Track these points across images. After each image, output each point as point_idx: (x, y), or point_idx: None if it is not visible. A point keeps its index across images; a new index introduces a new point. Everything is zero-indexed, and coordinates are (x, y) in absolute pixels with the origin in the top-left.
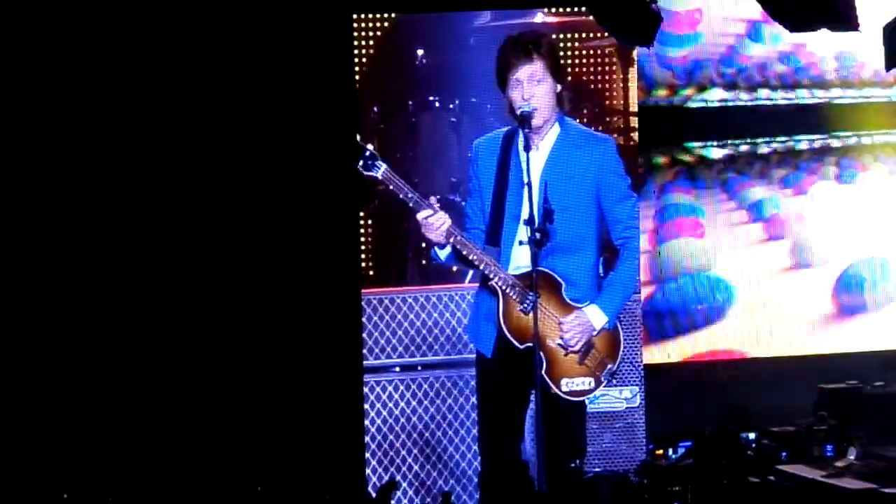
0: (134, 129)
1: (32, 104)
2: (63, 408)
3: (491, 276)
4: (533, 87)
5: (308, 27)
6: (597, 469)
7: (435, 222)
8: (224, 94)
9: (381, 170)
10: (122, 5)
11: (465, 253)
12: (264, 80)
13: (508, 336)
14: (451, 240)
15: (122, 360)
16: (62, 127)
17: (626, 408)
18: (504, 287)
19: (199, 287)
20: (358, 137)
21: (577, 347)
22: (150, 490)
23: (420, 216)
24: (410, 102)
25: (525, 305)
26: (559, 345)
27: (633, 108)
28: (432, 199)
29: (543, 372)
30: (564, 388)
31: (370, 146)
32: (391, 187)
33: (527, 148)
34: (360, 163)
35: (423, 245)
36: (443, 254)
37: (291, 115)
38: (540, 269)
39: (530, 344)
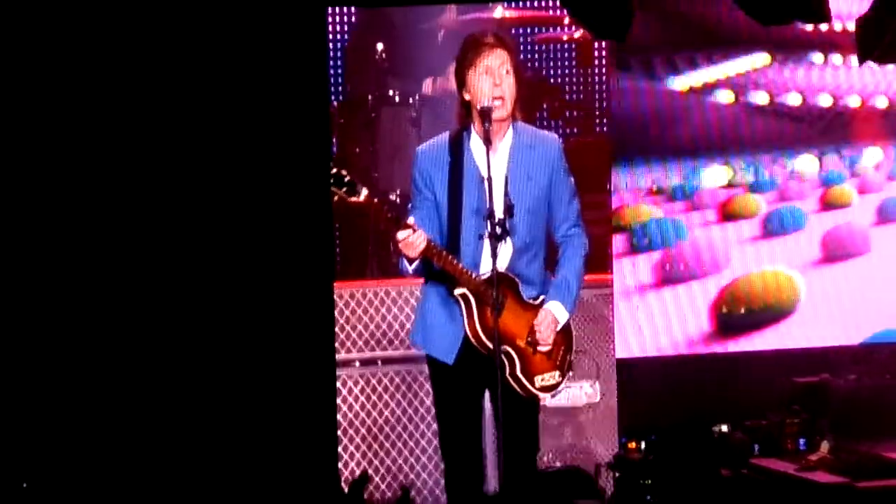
0: (102, 121)
1: (11, 105)
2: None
3: (464, 283)
4: (503, 75)
5: (281, 19)
6: (557, 464)
7: (415, 241)
8: (193, 86)
9: (363, 194)
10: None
11: (441, 265)
12: (236, 75)
13: (485, 340)
14: (430, 254)
15: (90, 354)
16: (40, 127)
17: (587, 403)
18: (476, 293)
19: (168, 279)
20: (333, 167)
21: (550, 344)
22: (118, 484)
23: (399, 236)
24: (370, 97)
25: (497, 309)
26: (529, 343)
27: (596, 102)
28: (410, 219)
29: (518, 372)
30: (538, 385)
31: (344, 171)
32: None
33: (487, 142)
34: (344, 189)
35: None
36: (412, 267)
37: (263, 109)
38: (500, 271)
39: (505, 347)
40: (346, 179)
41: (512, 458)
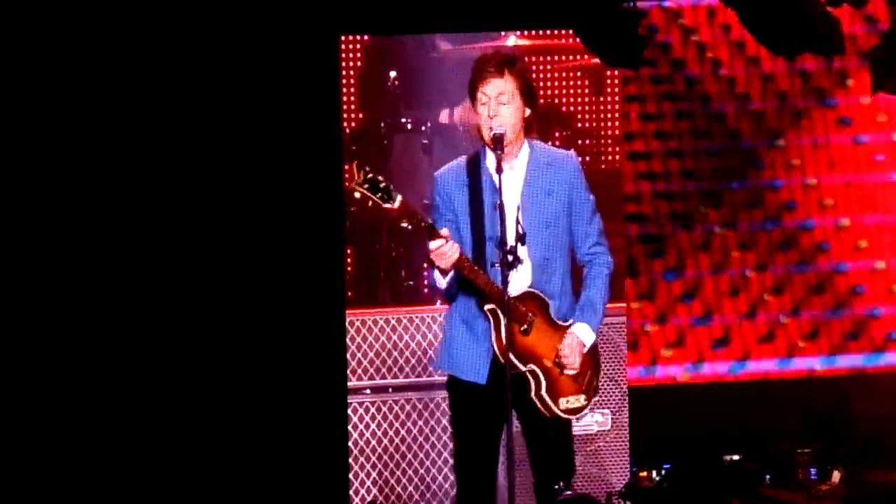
0: (115, 145)
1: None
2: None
3: (494, 298)
4: (499, 105)
5: (294, 47)
6: (569, 492)
7: (447, 251)
8: (206, 114)
9: (398, 200)
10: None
11: (472, 278)
12: (249, 102)
13: (512, 358)
14: (461, 266)
15: (91, 378)
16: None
17: (598, 431)
18: (505, 311)
19: (178, 302)
20: (369, 172)
21: (577, 367)
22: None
23: (433, 246)
24: (382, 124)
25: (525, 328)
26: (556, 363)
27: (609, 130)
28: (444, 230)
29: (544, 392)
30: (563, 407)
31: (380, 177)
32: (404, 221)
33: (498, 170)
34: (379, 195)
35: (425, 269)
36: (444, 281)
37: (275, 136)
38: (530, 289)
39: (532, 366)
40: (382, 185)
41: (547, 482)
